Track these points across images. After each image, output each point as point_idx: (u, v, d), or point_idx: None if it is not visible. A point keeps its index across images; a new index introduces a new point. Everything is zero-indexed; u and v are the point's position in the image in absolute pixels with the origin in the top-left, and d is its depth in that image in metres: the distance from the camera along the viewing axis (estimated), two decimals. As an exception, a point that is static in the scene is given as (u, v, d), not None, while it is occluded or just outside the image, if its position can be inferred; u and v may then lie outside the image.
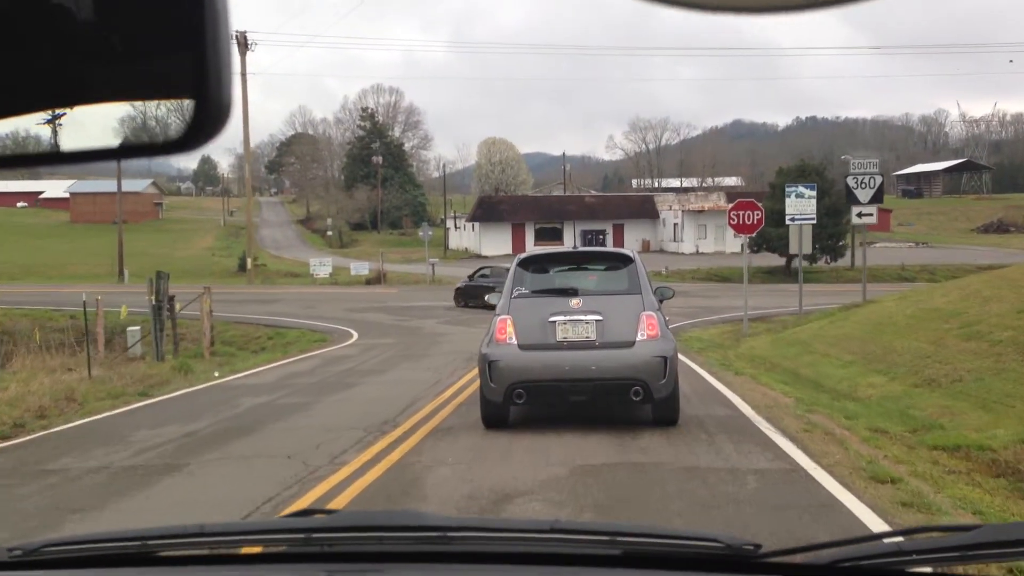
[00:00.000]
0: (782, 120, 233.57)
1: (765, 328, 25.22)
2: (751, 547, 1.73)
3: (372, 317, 32.82)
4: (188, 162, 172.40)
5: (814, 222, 24.50)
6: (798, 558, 1.75)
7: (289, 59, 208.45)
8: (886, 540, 1.78)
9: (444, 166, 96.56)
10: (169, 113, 1.03)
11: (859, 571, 1.69)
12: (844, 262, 59.28)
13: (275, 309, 35.76)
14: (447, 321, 30.77)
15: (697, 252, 71.36)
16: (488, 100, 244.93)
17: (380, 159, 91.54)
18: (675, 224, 74.80)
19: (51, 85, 1.02)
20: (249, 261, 49.05)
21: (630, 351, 9.83)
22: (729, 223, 24.18)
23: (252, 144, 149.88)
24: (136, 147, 1.10)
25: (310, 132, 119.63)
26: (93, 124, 1.06)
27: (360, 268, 48.69)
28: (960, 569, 1.84)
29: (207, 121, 0.99)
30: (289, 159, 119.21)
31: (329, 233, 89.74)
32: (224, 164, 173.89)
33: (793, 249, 24.57)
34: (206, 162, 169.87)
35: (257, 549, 1.99)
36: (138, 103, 1.08)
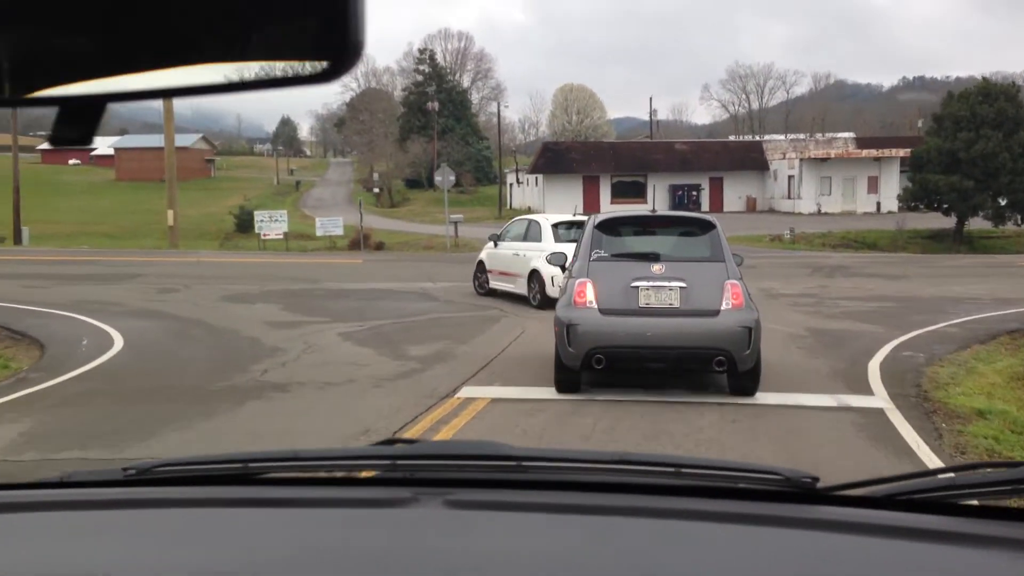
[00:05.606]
0: (887, 81, 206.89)
1: None
2: (809, 479, 1.68)
3: (252, 313, 15.80)
4: (271, 123, 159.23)
5: None
6: (855, 492, 1.69)
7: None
8: (940, 476, 1.73)
9: (499, 102, 78.38)
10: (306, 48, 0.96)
11: (913, 503, 1.64)
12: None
13: (118, 291, 18.90)
14: (367, 335, 13.68)
15: (819, 212, 52.24)
16: (570, 67, 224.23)
17: (436, 105, 73.91)
18: (790, 177, 55.53)
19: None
20: (170, 215, 32.46)
21: (715, 320, 8.96)
22: None
23: (333, 106, 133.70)
24: (275, 80, 1.02)
25: (373, 84, 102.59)
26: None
27: (331, 226, 31.26)
28: (1012, 502, 1.83)
29: (343, 58, 0.95)
30: (359, 115, 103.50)
31: (376, 190, 73.01)
32: (304, 127, 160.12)
33: None
34: (286, 124, 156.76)
35: (346, 474, 1.97)
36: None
